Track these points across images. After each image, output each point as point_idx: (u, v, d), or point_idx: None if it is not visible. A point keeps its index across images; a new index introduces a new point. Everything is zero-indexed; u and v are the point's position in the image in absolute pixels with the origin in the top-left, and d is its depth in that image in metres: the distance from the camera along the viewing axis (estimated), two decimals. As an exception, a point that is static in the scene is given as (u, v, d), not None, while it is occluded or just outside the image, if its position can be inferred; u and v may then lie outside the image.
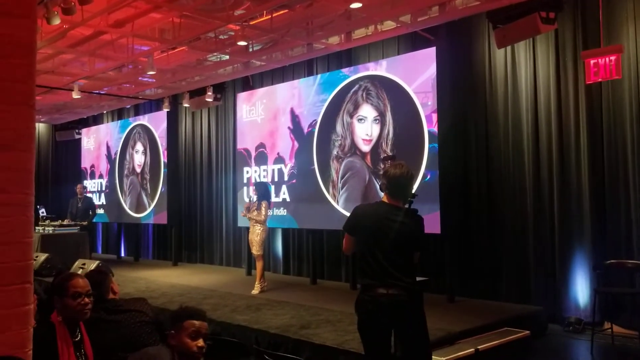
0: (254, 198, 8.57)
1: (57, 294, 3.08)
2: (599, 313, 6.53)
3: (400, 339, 3.83)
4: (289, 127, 9.60)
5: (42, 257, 9.61)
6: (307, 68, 10.13)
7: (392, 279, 3.69)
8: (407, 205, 3.80)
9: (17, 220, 2.17)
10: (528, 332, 6.05)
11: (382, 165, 8.01)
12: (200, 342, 2.88)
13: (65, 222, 11.72)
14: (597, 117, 6.86)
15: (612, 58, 5.92)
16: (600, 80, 6.18)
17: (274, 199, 9.53)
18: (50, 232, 10.96)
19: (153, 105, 13.56)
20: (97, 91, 12.28)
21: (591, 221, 6.83)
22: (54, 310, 3.09)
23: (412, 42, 8.55)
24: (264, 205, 8.36)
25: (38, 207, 11.73)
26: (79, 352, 3.05)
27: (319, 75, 9.45)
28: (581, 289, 6.93)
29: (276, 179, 9.76)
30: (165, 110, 12.31)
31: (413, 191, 3.87)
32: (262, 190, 8.57)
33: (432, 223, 7.38)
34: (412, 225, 3.80)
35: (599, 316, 6.57)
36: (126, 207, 13.54)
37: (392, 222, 3.73)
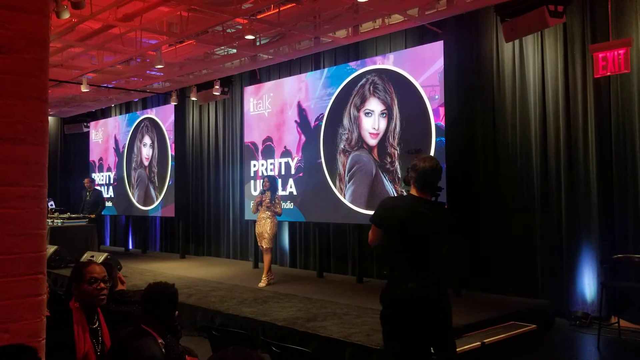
0: (263, 191, 8.58)
1: (75, 281, 3.19)
2: (606, 307, 6.54)
3: (427, 334, 3.76)
4: (296, 121, 9.62)
5: (51, 249, 9.70)
6: (314, 62, 10.14)
7: (423, 273, 3.64)
8: (433, 199, 3.80)
9: (31, 212, 2.20)
10: (535, 326, 6.06)
11: (389, 159, 8.03)
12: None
13: (75, 215, 11.81)
14: (605, 111, 6.84)
15: (621, 52, 5.92)
16: (608, 73, 6.17)
17: (280, 192, 9.57)
18: (59, 224, 11.05)
19: (161, 99, 13.61)
20: (105, 84, 12.33)
21: (599, 215, 6.83)
22: (72, 298, 3.19)
23: (419, 35, 8.54)
24: (278, 199, 8.45)
25: (47, 199, 11.80)
26: (95, 340, 3.11)
27: (326, 69, 9.45)
28: (588, 283, 6.93)
29: (283, 173, 9.79)
30: (173, 103, 12.35)
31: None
32: (275, 184, 8.65)
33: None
34: (441, 218, 3.79)
35: (606, 311, 6.58)
36: (134, 200, 13.62)
37: (422, 215, 3.69)
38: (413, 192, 3.76)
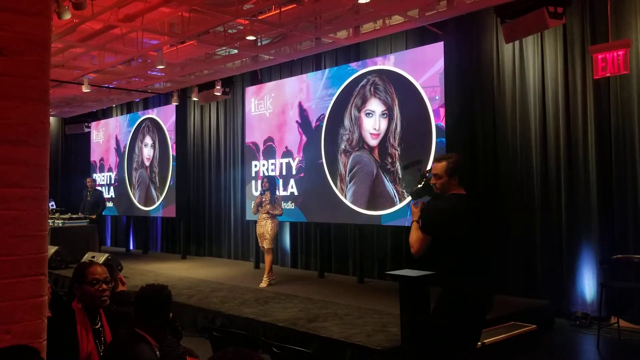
0: (263, 191, 8.59)
1: (77, 282, 3.22)
2: (605, 308, 6.55)
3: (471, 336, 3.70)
4: (297, 121, 9.63)
5: (52, 249, 9.72)
6: (315, 62, 10.15)
7: (487, 275, 3.61)
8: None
9: (32, 214, 2.21)
10: (535, 326, 6.07)
11: (389, 160, 8.03)
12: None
13: (76, 215, 11.82)
14: (605, 111, 6.85)
15: (620, 53, 5.93)
16: (608, 75, 6.18)
17: (282, 192, 9.58)
18: (60, 225, 11.06)
19: (162, 99, 13.63)
20: (106, 85, 12.34)
21: (598, 216, 6.83)
22: (74, 298, 3.22)
23: (420, 36, 8.55)
24: (278, 200, 8.45)
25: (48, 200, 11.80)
26: (98, 340, 3.13)
27: (327, 70, 9.46)
28: (588, 284, 6.93)
29: (284, 173, 9.80)
30: (174, 104, 12.36)
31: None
32: (275, 184, 8.65)
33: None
34: (485, 213, 3.81)
35: (606, 311, 6.59)
36: (135, 201, 13.63)
37: (473, 212, 3.63)
38: (456, 191, 3.60)
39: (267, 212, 8.39)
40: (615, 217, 6.78)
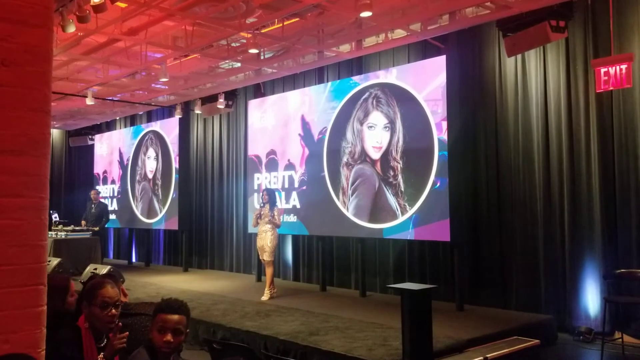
0: (262, 204, 8.60)
1: (86, 300, 3.02)
2: (609, 322, 6.51)
3: None
4: (299, 134, 9.65)
5: (55, 261, 9.69)
6: (317, 75, 10.19)
7: None
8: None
9: (32, 224, 2.21)
10: (538, 341, 6.02)
11: (392, 173, 8.02)
12: (168, 337, 2.74)
13: (79, 227, 11.82)
14: (607, 125, 6.85)
15: (623, 66, 5.92)
16: (611, 88, 6.18)
17: (284, 205, 9.58)
18: (63, 237, 11.07)
19: (165, 112, 13.68)
20: (110, 98, 12.40)
21: (602, 230, 6.81)
22: (81, 314, 3.04)
23: (422, 50, 8.59)
24: (277, 212, 8.44)
25: (51, 212, 11.82)
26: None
27: (329, 83, 9.49)
28: (591, 298, 6.89)
29: (286, 186, 9.80)
30: (177, 116, 12.41)
31: None
32: (274, 197, 8.64)
33: (442, 231, 7.39)
34: None
35: (610, 326, 6.55)
36: (138, 213, 13.64)
37: None
38: None
39: (268, 223, 8.39)
40: (618, 232, 6.75)
